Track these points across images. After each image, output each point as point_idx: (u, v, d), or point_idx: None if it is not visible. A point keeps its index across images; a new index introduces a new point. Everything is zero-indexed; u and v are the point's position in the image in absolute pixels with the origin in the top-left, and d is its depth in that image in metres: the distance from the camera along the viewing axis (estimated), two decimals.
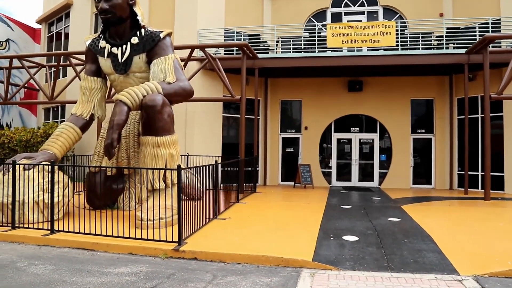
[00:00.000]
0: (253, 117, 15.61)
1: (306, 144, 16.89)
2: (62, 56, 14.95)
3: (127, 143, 9.43)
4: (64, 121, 19.39)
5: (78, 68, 14.46)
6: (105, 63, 9.38)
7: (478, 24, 14.72)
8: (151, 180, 7.99)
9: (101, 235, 6.68)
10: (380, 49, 15.04)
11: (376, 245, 6.69)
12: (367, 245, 6.71)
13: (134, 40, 9.04)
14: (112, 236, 6.60)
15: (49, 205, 7.50)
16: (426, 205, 11.56)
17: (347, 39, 14.30)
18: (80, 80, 14.26)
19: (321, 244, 6.66)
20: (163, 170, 8.05)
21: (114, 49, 9.15)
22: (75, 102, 15.27)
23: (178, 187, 6.31)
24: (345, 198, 12.85)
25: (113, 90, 13.60)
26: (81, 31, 18.87)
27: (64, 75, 19.55)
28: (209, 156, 14.10)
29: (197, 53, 14.70)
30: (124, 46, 9.11)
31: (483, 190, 12.86)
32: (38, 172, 7.99)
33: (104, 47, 9.30)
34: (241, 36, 16.13)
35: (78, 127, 9.32)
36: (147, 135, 8.19)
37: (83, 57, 15.87)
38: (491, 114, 13.00)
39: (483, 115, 14.94)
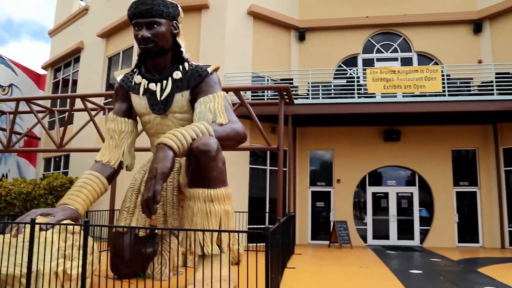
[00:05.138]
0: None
1: (339, 198, 15.32)
2: (69, 100, 13.57)
3: (164, 197, 7.81)
4: (67, 172, 17.86)
5: (93, 113, 13.02)
6: (139, 102, 7.92)
7: None
8: (204, 243, 6.33)
9: None
10: (418, 96, 13.94)
11: None
12: None
13: (177, 75, 7.64)
14: None
15: (78, 276, 5.79)
16: (506, 268, 10.07)
17: (389, 84, 13.18)
18: (94, 125, 12.92)
19: None
20: (217, 232, 6.42)
21: (152, 85, 7.70)
22: (85, 151, 13.92)
23: (266, 255, 4.67)
24: (401, 260, 11.26)
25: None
26: (92, 76, 17.71)
27: (70, 122, 18.09)
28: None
29: None
30: (165, 82, 7.68)
31: None
32: (59, 233, 6.29)
33: (139, 83, 7.88)
34: (268, 80, 14.98)
35: (105, 177, 7.64)
36: (196, 187, 6.57)
37: (97, 100, 14.58)
38: None
39: None
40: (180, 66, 7.74)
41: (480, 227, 14.75)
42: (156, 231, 7.98)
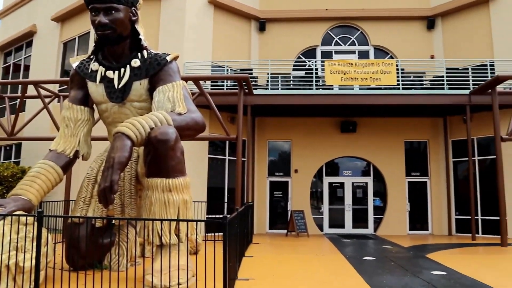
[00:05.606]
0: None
1: (296, 188, 15.59)
2: (21, 87, 13.02)
3: (121, 187, 7.68)
4: (19, 162, 17.18)
5: (47, 100, 12.57)
6: (96, 90, 7.74)
7: (471, 67, 14.47)
8: (162, 233, 6.31)
9: None
10: (374, 89, 14.37)
11: None
12: None
13: (136, 62, 7.52)
14: None
15: (31, 269, 5.65)
16: (452, 253, 10.76)
17: (347, 76, 13.49)
18: (48, 113, 12.50)
19: None
20: (175, 222, 6.42)
21: (110, 73, 7.54)
22: (39, 140, 13.47)
23: (224, 244, 4.74)
24: (355, 248, 11.62)
25: None
26: (46, 61, 17.05)
27: (22, 109, 17.39)
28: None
29: None
30: (123, 70, 7.54)
31: (489, 236, 13.75)
32: (11, 224, 6.10)
33: (96, 71, 7.69)
34: (228, 70, 14.96)
35: (60, 166, 7.44)
36: (155, 177, 6.54)
37: (51, 87, 14.08)
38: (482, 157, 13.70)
39: (480, 158, 14.56)
40: (139, 54, 7.62)
41: (429, 215, 15.45)
42: (113, 221, 7.87)
